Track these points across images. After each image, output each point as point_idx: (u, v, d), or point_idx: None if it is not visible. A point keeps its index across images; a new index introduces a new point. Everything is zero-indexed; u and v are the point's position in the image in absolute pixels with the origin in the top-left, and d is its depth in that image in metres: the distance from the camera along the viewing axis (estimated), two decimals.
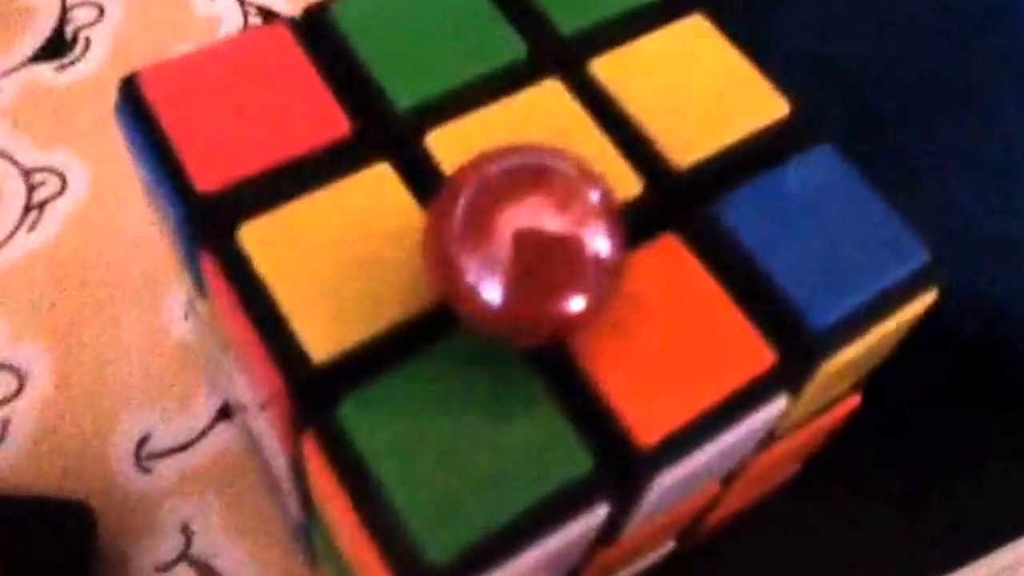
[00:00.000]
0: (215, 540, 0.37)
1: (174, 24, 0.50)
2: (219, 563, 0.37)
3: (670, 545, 0.34)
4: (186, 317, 0.42)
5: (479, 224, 0.22)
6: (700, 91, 0.28)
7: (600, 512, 0.23)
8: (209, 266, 0.25)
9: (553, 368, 0.24)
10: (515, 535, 0.22)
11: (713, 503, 0.32)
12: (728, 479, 0.30)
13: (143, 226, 0.44)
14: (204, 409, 0.40)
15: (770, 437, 0.29)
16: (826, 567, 0.39)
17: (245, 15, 0.50)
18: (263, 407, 0.27)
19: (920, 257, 0.27)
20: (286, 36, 0.28)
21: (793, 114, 0.29)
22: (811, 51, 0.36)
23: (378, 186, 0.26)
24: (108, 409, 0.40)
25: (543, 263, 0.22)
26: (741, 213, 0.27)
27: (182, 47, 0.49)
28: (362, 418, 0.23)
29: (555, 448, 0.23)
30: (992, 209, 0.33)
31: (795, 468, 0.36)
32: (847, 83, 0.36)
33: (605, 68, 0.28)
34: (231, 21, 0.50)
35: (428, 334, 0.24)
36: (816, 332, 0.25)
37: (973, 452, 0.41)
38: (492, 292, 0.22)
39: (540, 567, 0.24)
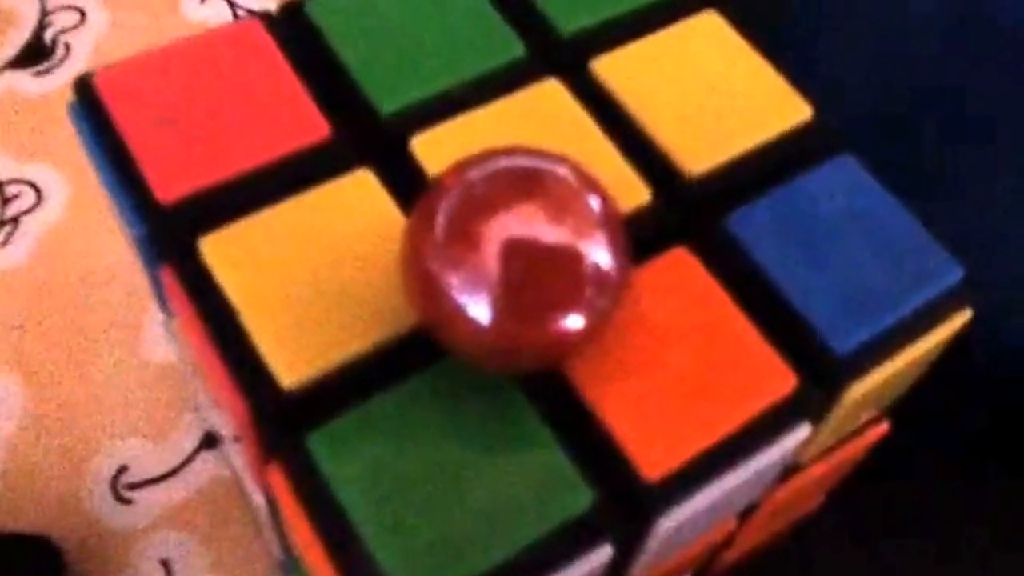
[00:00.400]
0: None
1: (160, 29, 0.48)
2: None
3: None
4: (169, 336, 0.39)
5: (463, 235, 0.20)
6: (713, 93, 0.26)
7: (602, 555, 0.21)
8: (171, 283, 0.23)
9: (549, 395, 0.22)
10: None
11: (729, 540, 0.29)
12: (745, 513, 0.28)
13: (124, 243, 0.42)
14: (186, 438, 0.38)
15: (791, 468, 0.26)
16: None
17: (236, 19, 0.48)
18: (233, 436, 0.25)
19: (952, 274, 0.24)
20: (261, 33, 0.26)
21: (814, 119, 0.26)
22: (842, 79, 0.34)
23: (358, 195, 0.24)
24: (83, 438, 0.38)
25: (536, 278, 0.20)
26: (758, 226, 0.24)
27: None
28: (334, 451, 0.21)
29: (551, 485, 0.21)
30: None
31: (820, 500, 0.34)
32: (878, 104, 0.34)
33: (609, 68, 0.26)
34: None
35: (410, 359, 0.22)
36: (840, 356, 0.23)
37: (1007, 498, 0.38)
38: (479, 312, 0.19)
39: None
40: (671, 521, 0.22)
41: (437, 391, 0.21)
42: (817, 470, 0.28)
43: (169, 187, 0.23)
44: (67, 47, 0.46)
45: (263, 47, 0.25)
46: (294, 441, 0.21)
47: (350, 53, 0.25)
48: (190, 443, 0.38)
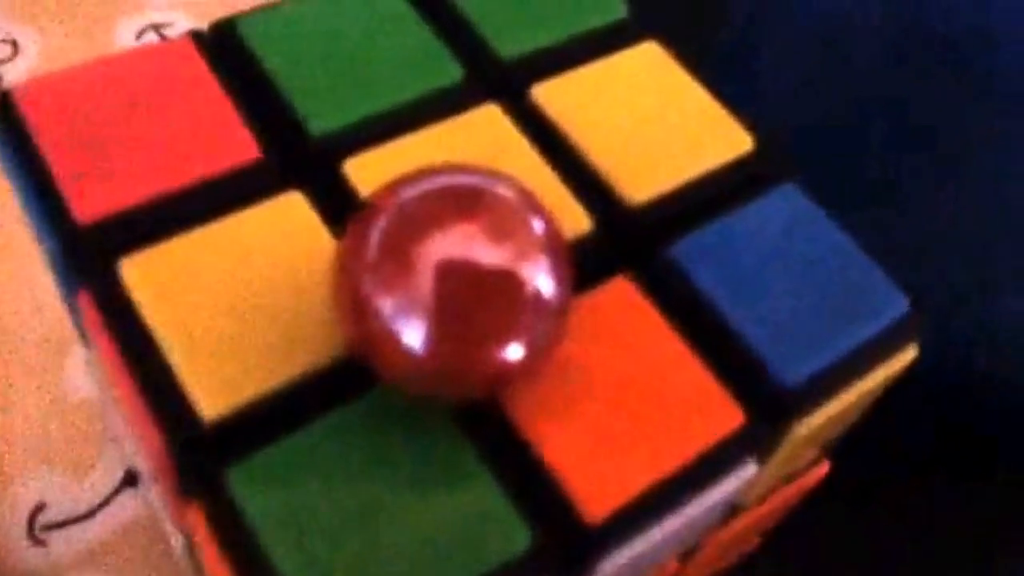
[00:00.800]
0: None
1: None
2: None
3: None
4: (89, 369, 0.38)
5: (397, 256, 0.19)
6: (654, 122, 0.25)
7: None
8: (88, 307, 0.22)
9: (485, 430, 0.21)
10: None
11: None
12: (687, 554, 0.27)
13: (42, 276, 0.40)
14: (106, 475, 0.37)
15: (734, 509, 0.25)
16: None
17: None
18: (152, 472, 0.23)
19: (899, 307, 0.24)
20: (191, 51, 0.25)
21: (757, 149, 0.26)
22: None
23: (287, 218, 0.23)
24: (1, 469, 0.36)
25: (474, 303, 0.19)
26: (702, 256, 0.23)
27: None
28: (255, 488, 0.19)
29: (488, 524, 0.19)
30: (973, 279, 0.31)
31: (754, 542, 0.33)
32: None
33: (549, 94, 0.25)
34: None
35: (339, 389, 0.21)
36: (789, 390, 0.22)
37: (942, 523, 0.37)
38: (412, 337, 0.18)
39: None
40: (613, 563, 0.21)
41: (366, 424, 0.20)
42: (759, 511, 0.27)
43: (88, 206, 0.22)
44: None
45: (193, 66, 0.24)
46: (214, 477, 0.20)
47: (282, 73, 0.25)
48: (111, 481, 0.36)
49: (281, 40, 0.25)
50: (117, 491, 0.36)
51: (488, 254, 0.19)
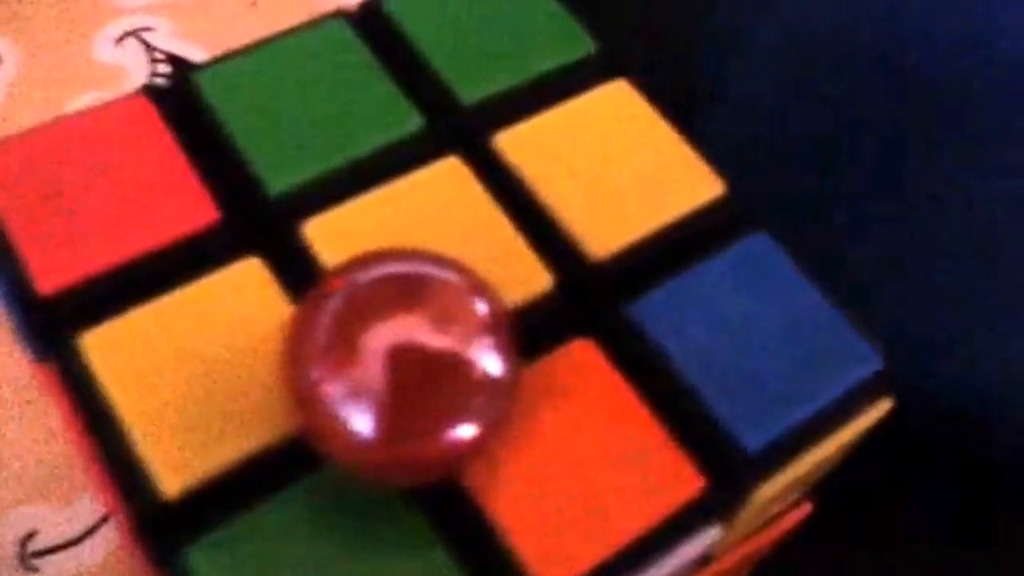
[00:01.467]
0: None
1: (75, 72, 0.47)
2: None
3: None
4: None
5: (345, 343, 0.19)
6: (621, 169, 0.25)
7: None
8: (51, 379, 0.22)
9: (439, 503, 0.21)
10: None
11: None
12: None
13: None
14: (94, 503, 0.37)
15: (702, 561, 0.26)
16: None
17: (152, 62, 0.47)
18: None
19: (871, 364, 0.24)
20: (147, 108, 0.25)
21: (726, 196, 0.26)
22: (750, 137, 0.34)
23: (246, 284, 0.23)
24: None
25: (423, 388, 0.19)
26: (666, 315, 0.23)
27: (83, 98, 0.46)
28: (215, 566, 0.20)
29: None
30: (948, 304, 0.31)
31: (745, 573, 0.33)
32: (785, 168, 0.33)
33: (512, 143, 0.25)
34: (137, 70, 0.47)
35: (296, 464, 0.21)
36: (750, 455, 0.22)
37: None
38: (361, 425, 0.19)
39: None
40: None
41: (321, 499, 0.21)
42: (734, 557, 0.27)
43: (49, 278, 0.22)
44: None
45: (149, 124, 0.25)
46: (174, 553, 0.20)
47: (239, 128, 0.25)
48: (98, 509, 0.37)
49: (238, 93, 0.25)
50: (105, 519, 0.37)
51: (435, 340, 0.19)
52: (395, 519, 0.21)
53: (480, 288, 0.19)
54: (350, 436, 0.19)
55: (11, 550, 0.36)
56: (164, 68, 0.47)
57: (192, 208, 0.23)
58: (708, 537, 0.22)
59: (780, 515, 0.28)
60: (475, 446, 0.19)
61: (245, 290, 0.23)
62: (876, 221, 0.32)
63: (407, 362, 0.19)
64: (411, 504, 0.21)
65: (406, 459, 0.19)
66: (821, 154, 0.32)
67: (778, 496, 0.23)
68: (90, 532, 0.36)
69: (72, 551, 0.36)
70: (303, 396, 0.19)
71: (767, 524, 0.28)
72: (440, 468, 0.19)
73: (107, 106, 0.25)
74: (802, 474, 0.23)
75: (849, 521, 0.37)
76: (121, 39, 0.48)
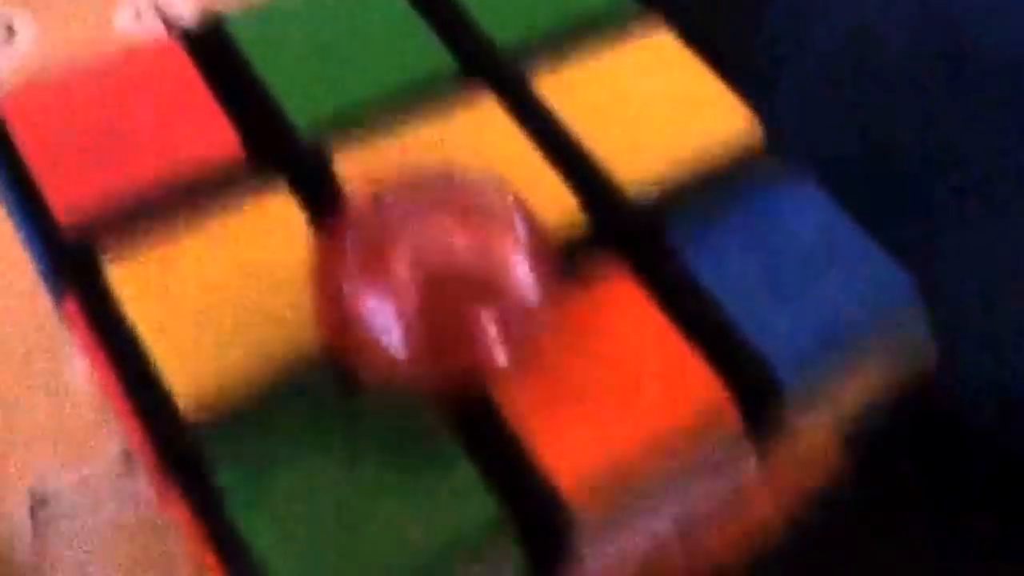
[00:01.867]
0: None
1: (92, 45, 0.47)
2: None
3: None
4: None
5: (379, 261, 0.19)
6: (658, 109, 0.25)
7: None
8: (73, 311, 0.22)
9: (471, 418, 0.21)
10: None
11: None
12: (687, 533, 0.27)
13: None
14: (106, 463, 0.37)
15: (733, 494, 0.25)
16: None
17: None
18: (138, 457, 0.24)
19: (906, 295, 0.23)
20: (177, 52, 0.25)
21: (762, 136, 0.25)
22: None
23: (274, 216, 0.23)
24: (4, 462, 0.37)
25: (457, 302, 0.19)
26: (703, 246, 0.23)
27: None
28: (238, 481, 0.20)
29: (460, 502, 0.20)
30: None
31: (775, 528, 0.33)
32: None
33: (549, 84, 0.25)
34: None
35: (324, 383, 0.21)
36: (785, 381, 0.22)
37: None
38: (394, 342, 0.19)
39: None
40: (599, 554, 0.21)
41: (346, 417, 0.20)
42: (762, 492, 0.27)
43: (73, 211, 0.22)
44: None
45: (179, 65, 0.25)
46: (198, 473, 0.20)
47: (270, 70, 0.25)
48: (112, 468, 0.37)
49: (268, 37, 0.25)
50: (117, 485, 0.37)
51: (471, 257, 0.19)
52: (425, 434, 0.20)
53: (520, 205, 0.19)
54: (382, 353, 0.19)
55: (23, 516, 0.36)
56: None
57: (219, 142, 0.23)
58: (737, 464, 0.22)
59: (814, 469, 0.28)
60: (506, 363, 0.19)
61: (273, 222, 0.23)
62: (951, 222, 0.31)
63: (441, 275, 0.19)
64: (443, 420, 0.21)
65: (438, 374, 0.19)
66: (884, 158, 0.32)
67: (811, 432, 0.23)
68: (101, 500, 0.37)
69: (83, 518, 0.36)
70: (334, 314, 0.19)
71: (802, 477, 0.27)
72: (471, 382, 0.19)
73: (138, 49, 0.25)
74: (838, 410, 0.23)
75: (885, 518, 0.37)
76: (140, 12, 0.48)
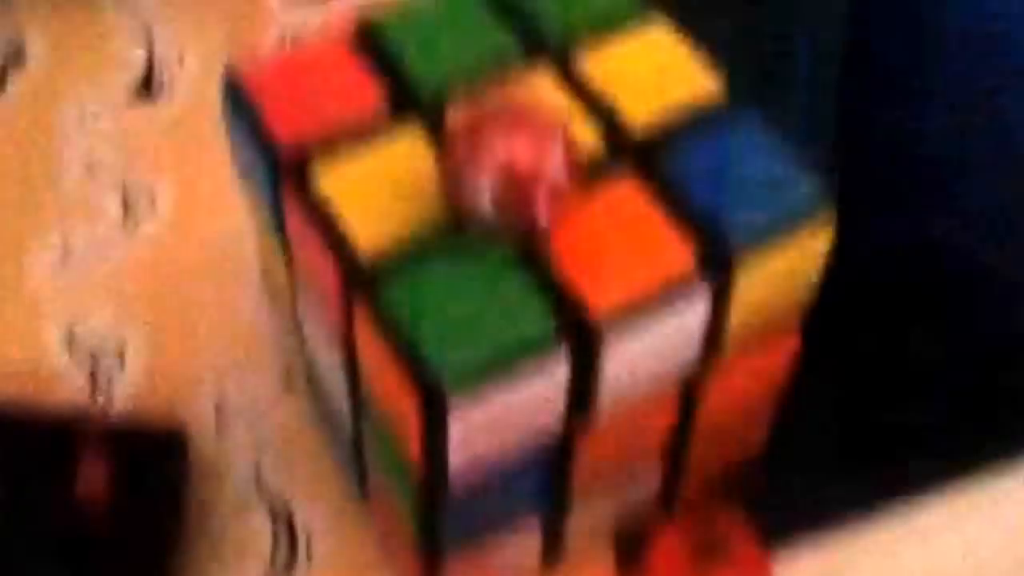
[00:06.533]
0: (280, 481, 0.50)
1: None
2: (282, 495, 0.50)
3: (655, 473, 0.46)
4: (258, 305, 0.55)
5: (474, 154, 0.35)
6: (657, 75, 0.42)
7: (564, 361, 0.36)
8: (290, 195, 0.39)
9: (532, 258, 0.37)
10: (502, 369, 0.35)
11: (682, 423, 0.44)
12: (687, 391, 0.42)
13: (220, 237, 0.57)
14: (271, 381, 0.53)
15: (714, 347, 0.41)
16: None
17: None
18: (324, 303, 0.40)
19: (816, 198, 0.39)
20: (343, 42, 0.42)
21: (726, 91, 0.42)
22: None
23: (412, 144, 0.39)
24: (193, 379, 0.53)
25: (519, 178, 0.35)
26: (682, 162, 0.39)
27: None
28: (395, 290, 0.36)
29: (529, 312, 0.36)
30: None
31: (762, 433, 0.48)
32: None
33: (583, 60, 0.42)
34: None
35: (446, 236, 0.37)
36: (730, 241, 0.38)
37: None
38: (484, 202, 0.35)
39: (526, 408, 0.36)
40: (615, 350, 0.37)
41: (464, 254, 0.37)
42: (740, 366, 0.43)
43: (289, 136, 0.39)
44: (171, 83, 0.63)
45: (346, 50, 0.42)
46: (372, 287, 0.36)
47: (407, 52, 0.42)
48: (274, 386, 0.53)
49: (403, 28, 0.42)
50: (278, 393, 0.53)
51: (530, 149, 0.35)
52: (506, 262, 0.37)
53: (559, 124, 0.36)
54: (479, 208, 0.35)
55: (210, 414, 0.52)
56: None
57: (373, 99, 0.40)
58: (703, 301, 0.38)
59: (768, 337, 0.43)
60: (552, 211, 0.36)
61: (411, 148, 0.39)
62: None
63: (511, 163, 0.35)
64: (515, 256, 0.37)
65: (507, 226, 0.35)
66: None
67: (760, 287, 0.39)
68: (269, 401, 0.53)
69: (255, 417, 0.52)
70: (452, 187, 0.36)
71: (763, 345, 0.43)
72: (528, 231, 0.36)
73: (319, 42, 0.42)
74: (775, 272, 0.39)
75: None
76: (281, 41, 0.65)
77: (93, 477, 0.46)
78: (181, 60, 0.64)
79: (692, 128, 0.41)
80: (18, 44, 0.65)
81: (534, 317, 0.36)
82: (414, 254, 0.37)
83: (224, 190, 0.59)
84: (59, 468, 0.46)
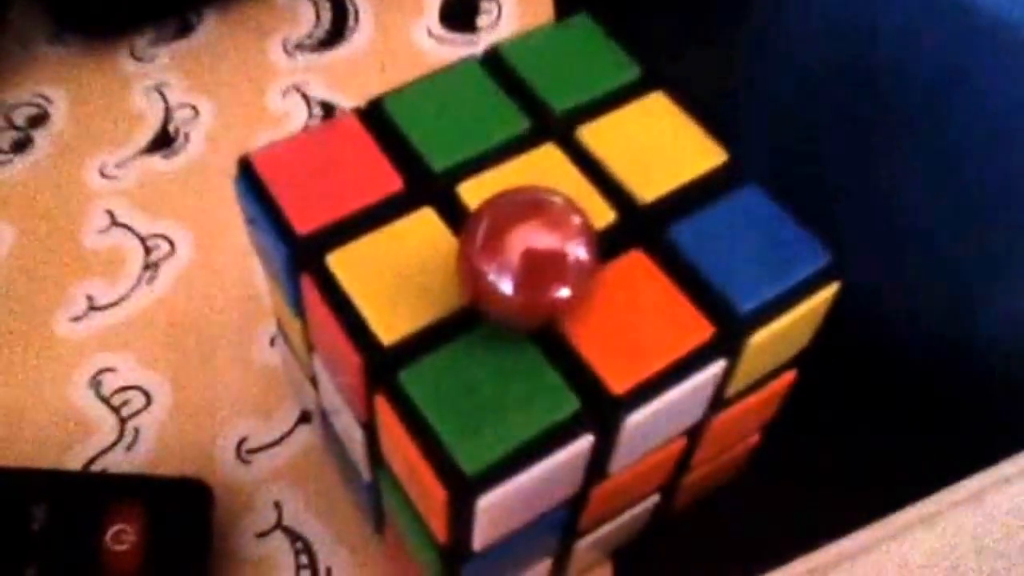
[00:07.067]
0: (300, 514, 0.45)
1: (253, 119, 0.59)
2: (303, 530, 0.45)
3: (654, 499, 0.41)
4: (272, 344, 0.50)
5: (495, 242, 0.30)
6: (659, 146, 0.37)
7: (586, 441, 0.31)
8: (308, 286, 0.34)
9: (550, 342, 0.32)
10: (526, 455, 0.30)
11: (684, 460, 0.40)
12: (692, 436, 0.38)
13: (235, 282, 0.52)
14: (287, 416, 0.48)
15: (720, 400, 0.36)
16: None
17: (309, 109, 0.60)
18: (344, 386, 0.35)
19: (823, 258, 0.34)
20: (354, 122, 0.37)
21: (728, 161, 0.37)
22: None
23: (425, 225, 0.34)
24: (215, 418, 0.48)
25: (540, 268, 0.30)
26: (690, 233, 0.35)
27: (260, 136, 0.58)
28: (419, 383, 0.31)
29: (551, 396, 0.31)
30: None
31: (754, 440, 0.44)
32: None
33: (588, 134, 0.37)
34: (297, 114, 0.59)
35: (463, 324, 0.33)
36: (743, 313, 0.33)
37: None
38: (504, 288, 0.30)
39: (548, 486, 0.32)
40: (633, 422, 0.32)
41: (478, 343, 0.32)
42: (743, 405, 0.38)
43: (305, 223, 0.34)
44: (186, 135, 0.58)
45: (356, 131, 0.36)
46: (392, 378, 0.31)
47: (415, 132, 0.36)
48: (291, 420, 0.48)
49: (412, 109, 0.37)
50: (296, 426, 0.48)
51: (547, 239, 0.30)
52: (524, 352, 0.32)
53: (576, 208, 0.31)
54: (498, 298, 0.30)
55: (231, 450, 0.47)
56: (317, 112, 0.59)
57: (386, 181, 0.35)
58: (717, 368, 0.33)
59: (771, 378, 0.39)
60: (570, 303, 0.31)
61: (425, 228, 0.34)
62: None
63: (530, 252, 0.30)
64: (534, 345, 0.32)
65: (529, 310, 0.30)
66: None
67: (766, 347, 0.34)
68: (285, 436, 0.48)
69: (273, 449, 0.47)
70: (470, 276, 0.30)
71: (764, 382, 0.38)
72: (549, 315, 0.31)
73: (329, 124, 0.37)
74: (781, 332, 0.34)
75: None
76: (286, 92, 0.60)
77: (121, 532, 0.40)
78: (196, 112, 0.59)
79: (698, 197, 0.36)
80: (42, 103, 0.59)
81: (556, 400, 0.31)
82: (433, 340, 0.32)
83: (239, 237, 0.54)
84: (88, 521, 0.41)
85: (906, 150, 0.41)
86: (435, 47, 0.63)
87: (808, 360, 0.44)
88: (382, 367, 0.32)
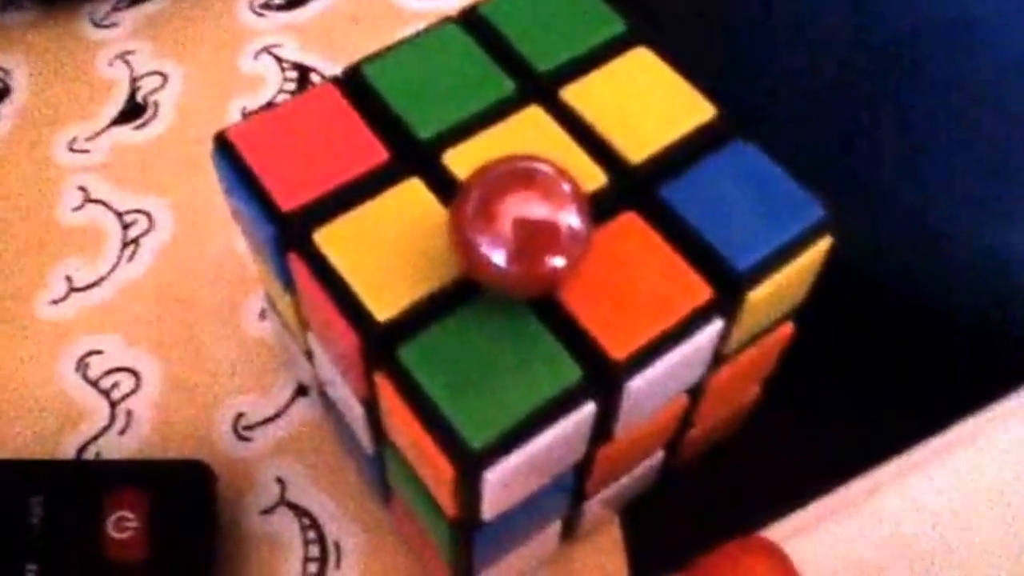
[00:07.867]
0: (304, 489, 0.46)
1: (224, 83, 0.59)
2: (308, 505, 0.46)
3: (659, 456, 0.42)
4: (262, 317, 0.50)
5: (487, 212, 0.31)
6: (647, 104, 0.37)
7: (589, 409, 0.32)
8: (296, 264, 0.34)
9: (547, 309, 0.33)
10: (531, 426, 0.31)
11: (686, 417, 0.41)
12: (694, 393, 0.39)
13: (219, 253, 0.53)
14: (284, 389, 0.49)
15: (720, 357, 0.37)
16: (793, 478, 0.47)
17: (283, 71, 0.59)
18: (342, 364, 0.36)
19: (815, 213, 0.35)
20: (333, 92, 0.37)
21: (718, 116, 0.37)
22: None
23: (413, 196, 0.35)
24: (209, 396, 0.48)
25: (533, 237, 0.31)
26: (682, 192, 0.35)
27: (233, 101, 0.58)
28: (416, 356, 0.32)
29: (553, 365, 0.32)
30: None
31: (755, 392, 0.45)
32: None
33: (574, 94, 0.37)
34: (271, 78, 0.59)
35: (458, 295, 0.33)
36: (741, 272, 0.34)
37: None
38: (499, 260, 0.31)
39: (554, 454, 0.32)
40: (634, 387, 0.33)
41: (479, 313, 0.32)
42: (742, 360, 0.39)
43: (289, 200, 0.34)
44: (156, 104, 0.57)
45: (336, 101, 0.37)
46: (392, 355, 0.32)
47: (395, 98, 0.37)
48: (288, 393, 0.48)
49: (392, 75, 0.37)
50: (293, 400, 0.49)
51: (539, 208, 0.30)
52: (523, 321, 0.32)
53: (567, 175, 0.31)
54: (492, 268, 0.31)
55: (228, 427, 0.48)
56: (291, 74, 0.59)
57: (371, 152, 0.35)
58: (715, 328, 0.34)
59: (769, 331, 0.39)
60: (565, 271, 0.31)
61: (412, 199, 0.35)
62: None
63: (523, 222, 0.30)
64: (531, 312, 0.33)
65: (524, 279, 0.31)
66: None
67: (763, 304, 0.35)
68: (283, 411, 0.48)
69: (271, 424, 0.48)
70: (464, 247, 0.31)
71: (762, 335, 0.39)
72: (545, 285, 0.31)
73: (308, 94, 0.37)
74: (778, 288, 0.35)
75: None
76: (258, 55, 0.60)
77: (122, 519, 0.41)
78: (165, 79, 0.59)
79: (688, 155, 0.36)
80: (1, 76, 0.59)
81: (558, 370, 0.32)
82: (429, 314, 0.33)
83: (220, 206, 0.54)
84: (88, 511, 0.41)
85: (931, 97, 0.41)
86: None
87: (806, 312, 0.44)
88: (380, 345, 0.32)
